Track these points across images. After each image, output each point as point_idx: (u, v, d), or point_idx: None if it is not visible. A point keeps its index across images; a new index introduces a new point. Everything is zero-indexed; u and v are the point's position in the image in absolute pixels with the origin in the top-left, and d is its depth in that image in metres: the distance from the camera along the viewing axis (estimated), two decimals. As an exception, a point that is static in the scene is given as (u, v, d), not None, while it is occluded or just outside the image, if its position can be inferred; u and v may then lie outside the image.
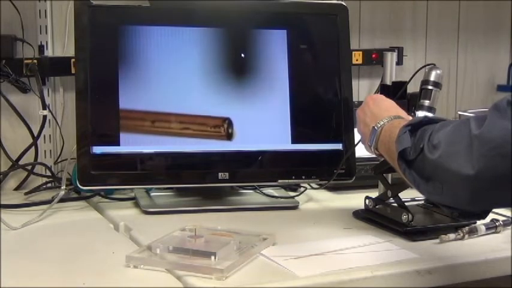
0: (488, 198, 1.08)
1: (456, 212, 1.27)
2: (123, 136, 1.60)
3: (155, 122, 1.62)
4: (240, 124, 1.66)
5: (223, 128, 1.64)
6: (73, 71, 1.76)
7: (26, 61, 1.76)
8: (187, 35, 1.65)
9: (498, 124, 1.03)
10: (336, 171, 1.63)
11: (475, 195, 1.07)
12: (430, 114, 1.51)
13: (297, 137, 1.69)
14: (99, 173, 1.59)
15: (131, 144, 1.61)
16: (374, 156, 1.42)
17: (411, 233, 1.40)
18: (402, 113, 1.41)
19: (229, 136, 1.65)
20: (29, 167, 1.81)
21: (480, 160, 1.03)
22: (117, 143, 1.60)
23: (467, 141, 1.06)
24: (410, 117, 1.36)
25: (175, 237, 1.33)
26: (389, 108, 1.41)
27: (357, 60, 2.13)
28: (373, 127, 1.36)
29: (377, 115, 1.38)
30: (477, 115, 1.09)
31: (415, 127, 1.20)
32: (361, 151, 1.51)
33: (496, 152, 1.02)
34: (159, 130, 1.62)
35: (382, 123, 1.34)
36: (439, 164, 1.10)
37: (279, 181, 1.67)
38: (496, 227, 1.43)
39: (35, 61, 1.77)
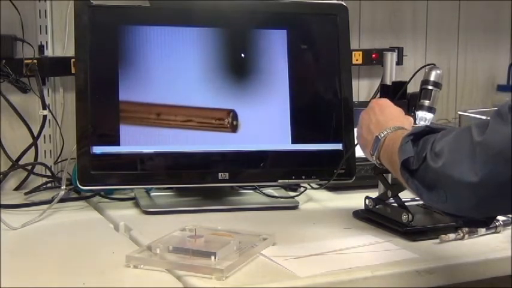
0: (492, 204, 1.08)
1: (460, 220, 1.27)
2: (123, 135, 1.60)
3: (160, 114, 1.62)
4: (240, 124, 1.66)
5: (228, 120, 1.64)
6: (73, 71, 1.76)
7: (26, 61, 1.76)
8: (187, 35, 1.65)
9: (500, 130, 1.03)
10: (336, 171, 1.63)
11: (479, 202, 1.07)
12: (430, 115, 1.51)
13: (297, 137, 1.69)
14: (99, 173, 1.59)
15: (131, 144, 1.61)
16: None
17: (411, 233, 1.40)
18: (407, 121, 1.40)
19: (233, 128, 1.64)
20: (29, 167, 1.81)
21: (484, 167, 1.03)
22: (117, 143, 1.60)
23: (470, 148, 1.05)
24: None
25: (175, 237, 1.33)
26: (394, 116, 1.41)
27: (357, 60, 2.13)
28: (377, 136, 1.35)
29: (382, 123, 1.38)
30: (478, 122, 1.09)
31: (417, 136, 1.19)
32: (361, 151, 1.51)
33: (499, 159, 1.02)
34: (163, 123, 1.62)
35: (386, 132, 1.34)
36: (442, 172, 1.09)
37: (279, 181, 1.67)
38: (496, 227, 1.42)
39: (35, 61, 1.77)
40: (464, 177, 1.05)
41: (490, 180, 1.03)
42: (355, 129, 1.57)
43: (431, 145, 1.13)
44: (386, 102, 1.47)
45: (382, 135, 1.34)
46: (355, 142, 1.57)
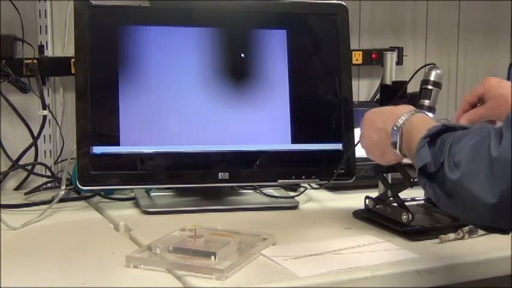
0: (510, 219, 1.06)
1: (478, 226, 1.24)
2: (123, 135, 1.60)
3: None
4: (240, 124, 1.66)
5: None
6: (73, 71, 1.76)
7: (26, 61, 1.76)
8: (187, 35, 1.65)
9: None
10: (336, 171, 1.63)
11: (496, 219, 1.05)
12: (430, 115, 1.51)
13: (297, 137, 1.69)
14: (99, 173, 1.59)
15: (131, 144, 1.61)
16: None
17: (411, 232, 1.40)
18: (407, 108, 1.31)
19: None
20: (29, 167, 1.81)
21: (501, 183, 1.01)
22: (117, 143, 1.60)
23: (488, 163, 1.02)
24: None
25: (175, 237, 1.33)
26: (396, 107, 1.33)
27: (357, 60, 2.13)
28: (393, 128, 1.27)
29: (394, 115, 1.28)
30: (498, 127, 1.05)
31: (433, 137, 1.15)
32: (361, 151, 1.51)
33: None
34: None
35: (402, 120, 1.26)
36: (460, 184, 1.06)
37: (279, 181, 1.67)
38: (496, 227, 1.42)
39: (35, 61, 1.77)
40: (481, 195, 1.03)
41: (508, 196, 1.01)
42: (355, 129, 1.57)
43: (449, 149, 1.09)
44: (377, 109, 1.39)
45: (398, 125, 1.26)
46: (355, 142, 1.56)
